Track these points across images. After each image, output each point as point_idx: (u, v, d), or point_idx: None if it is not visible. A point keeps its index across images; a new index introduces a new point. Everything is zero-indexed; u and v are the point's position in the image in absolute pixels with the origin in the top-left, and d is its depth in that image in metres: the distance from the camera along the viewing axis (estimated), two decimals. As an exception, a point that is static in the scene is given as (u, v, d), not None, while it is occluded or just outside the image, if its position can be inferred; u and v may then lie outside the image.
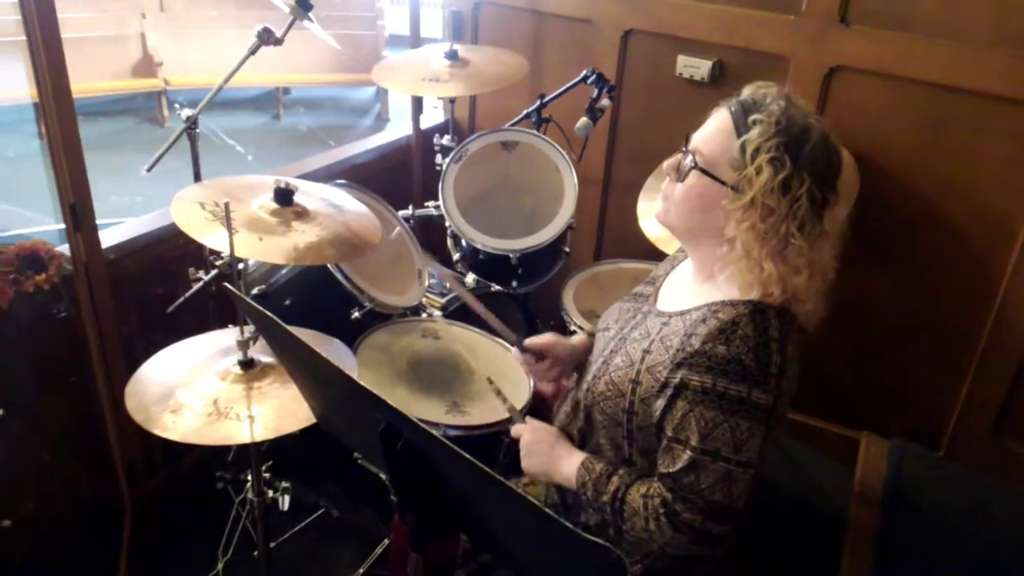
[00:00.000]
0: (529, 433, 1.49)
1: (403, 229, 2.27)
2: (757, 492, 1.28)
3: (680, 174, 1.33)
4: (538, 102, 2.48)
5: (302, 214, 1.72)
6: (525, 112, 2.52)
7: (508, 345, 2.01)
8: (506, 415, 1.53)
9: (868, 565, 1.74)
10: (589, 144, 2.53)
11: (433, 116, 3.16)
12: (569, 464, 1.41)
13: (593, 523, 1.45)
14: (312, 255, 1.61)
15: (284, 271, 2.11)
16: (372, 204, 2.16)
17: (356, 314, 1.98)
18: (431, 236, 2.69)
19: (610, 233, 2.93)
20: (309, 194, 1.80)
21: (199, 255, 2.02)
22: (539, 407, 1.86)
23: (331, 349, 1.64)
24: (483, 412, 1.79)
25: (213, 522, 2.18)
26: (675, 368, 1.26)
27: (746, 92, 1.31)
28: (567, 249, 2.44)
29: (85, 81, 5.63)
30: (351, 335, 1.94)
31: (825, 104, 2.34)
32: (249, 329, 1.50)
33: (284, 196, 1.71)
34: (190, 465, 2.41)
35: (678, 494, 1.25)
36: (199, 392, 1.46)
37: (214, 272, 1.92)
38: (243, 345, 1.49)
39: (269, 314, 1.04)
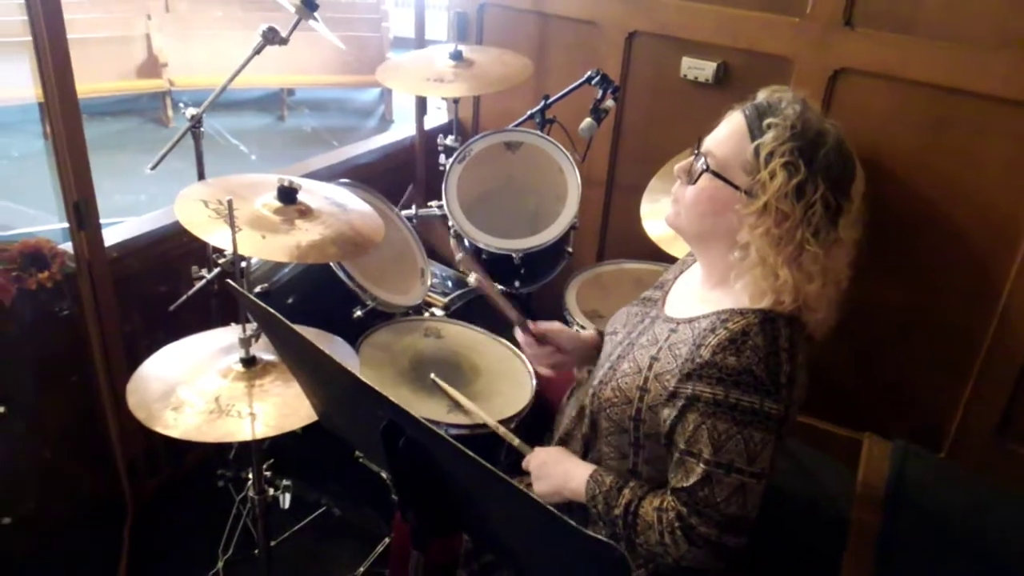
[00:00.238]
0: (535, 458, 1.49)
1: (405, 228, 2.27)
2: (762, 495, 1.28)
3: (692, 177, 1.32)
4: (542, 103, 2.48)
5: (305, 212, 1.72)
6: (529, 113, 2.53)
7: (511, 345, 2.02)
8: (508, 414, 1.53)
9: (870, 566, 1.74)
10: (593, 145, 2.53)
11: (437, 117, 3.17)
12: (578, 478, 1.39)
13: (604, 536, 1.44)
14: (315, 253, 1.61)
15: (287, 269, 2.11)
16: (375, 204, 2.16)
17: (358, 313, 1.98)
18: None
19: (613, 234, 2.93)
20: (312, 193, 1.80)
21: (202, 253, 2.02)
22: (544, 406, 1.85)
23: (333, 347, 1.64)
24: (485, 411, 1.78)
25: (214, 520, 2.18)
26: (685, 379, 1.24)
27: (761, 96, 1.30)
28: (570, 249, 2.44)
29: (90, 81, 5.66)
30: (353, 334, 1.94)
31: (829, 106, 2.33)
32: (251, 327, 1.51)
33: (287, 194, 1.71)
34: (192, 463, 2.42)
35: (693, 508, 1.23)
36: (200, 389, 1.46)
37: (217, 270, 1.93)
38: (245, 343, 1.50)
39: (271, 310, 1.04)
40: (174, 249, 2.22)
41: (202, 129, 1.97)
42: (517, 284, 2.36)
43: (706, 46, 2.49)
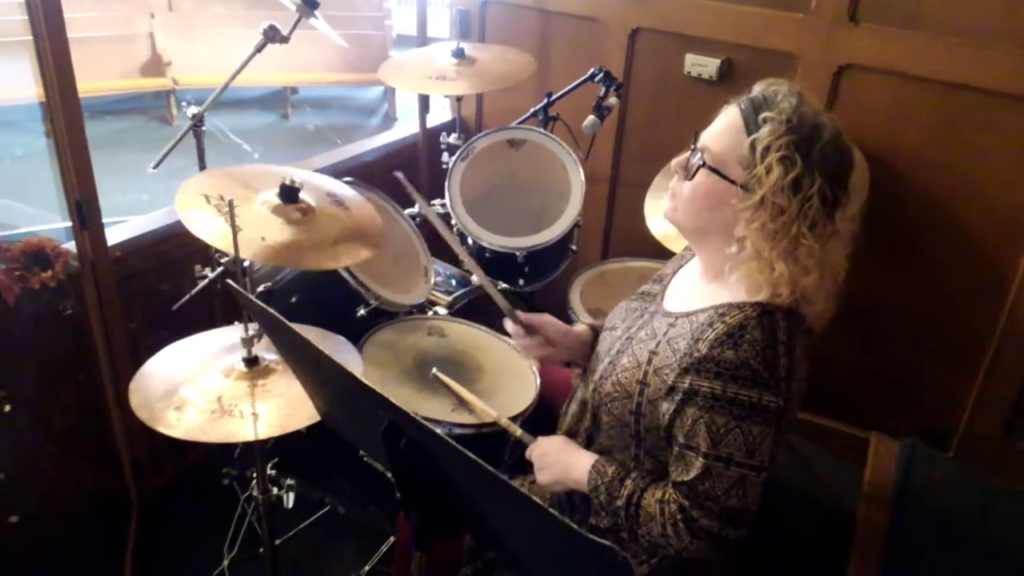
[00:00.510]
0: (538, 448, 1.49)
1: (408, 227, 2.27)
2: (766, 491, 1.27)
3: (688, 172, 1.31)
4: (545, 100, 2.48)
5: (307, 212, 1.72)
6: (532, 110, 2.52)
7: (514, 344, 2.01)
8: (511, 414, 1.52)
9: (876, 566, 1.73)
10: (597, 142, 2.52)
11: (441, 115, 3.16)
12: (580, 467, 1.40)
13: (604, 526, 1.44)
14: (313, 257, 1.60)
15: (290, 268, 2.11)
16: (378, 202, 2.15)
17: (362, 312, 1.98)
18: (437, 234, 2.68)
19: (617, 231, 2.92)
20: (315, 190, 1.79)
21: (205, 252, 2.02)
22: (547, 405, 1.85)
23: (336, 347, 1.64)
24: (489, 416, 1.78)
25: (219, 519, 2.18)
26: (683, 373, 1.24)
27: (757, 89, 1.29)
28: (574, 247, 2.43)
29: (94, 80, 5.65)
30: (357, 333, 1.94)
31: (834, 103, 2.33)
32: (253, 326, 1.50)
33: (289, 193, 1.71)
34: (196, 462, 2.42)
35: (694, 501, 1.24)
36: (203, 389, 1.46)
37: (219, 270, 1.92)
38: (247, 342, 1.49)
39: (271, 311, 1.03)
40: (177, 248, 2.21)
41: (203, 128, 1.97)
42: (521, 282, 2.36)
43: (710, 42, 2.48)
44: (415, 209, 2.39)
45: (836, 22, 2.25)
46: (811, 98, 1.27)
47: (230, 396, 1.44)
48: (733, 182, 1.26)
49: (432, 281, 2.21)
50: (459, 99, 2.65)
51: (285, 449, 2.01)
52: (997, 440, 2.41)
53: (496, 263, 2.33)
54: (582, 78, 2.40)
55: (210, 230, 1.58)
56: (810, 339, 1.32)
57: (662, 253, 2.31)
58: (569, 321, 2.26)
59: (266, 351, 1.55)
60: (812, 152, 1.21)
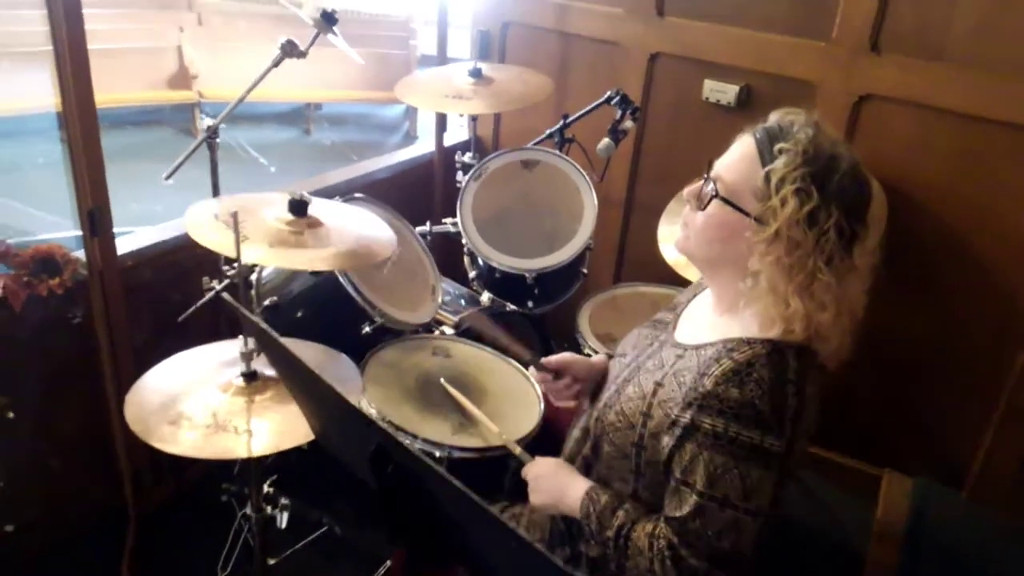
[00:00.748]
0: (534, 468, 1.47)
1: (418, 245, 2.25)
2: (774, 527, 1.23)
3: (701, 202, 1.28)
4: (561, 122, 2.46)
5: (315, 225, 1.71)
6: (548, 132, 2.51)
7: (521, 366, 1.99)
8: (514, 438, 1.50)
9: (886, 609, 1.68)
10: (612, 165, 2.50)
11: (459, 134, 3.16)
12: (574, 493, 1.37)
13: (594, 554, 1.40)
14: (321, 261, 1.58)
15: (298, 282, 2.09)
16: (388, 219, 2.14)
17: (367, 329, 1.96)
18: (451, 253, 2.67)
19: (630, 256, 2.90)
20: (322, 208, 1.78)
21: (214, 264, 2.01)
22: (552, 430, 1.81)
23: (336, 365, 1.62)
24: (491, 433, 1.75)
25: (216, 535, 2.15)
26: (686, 407, 1.21)
27: (773, 118, 1.26)
28: (585, 270, 2.40)
29: (122, 91, 5.73)
30: (362, 350, 1.92)
31: (854, 133, 2.29)
32: (253, 340, 1.49)
33: (298, 206, 1.70)
34: (197, 476, 2.40)
35: (684, 539, 1.20)
36: (199, 404, 1.44)
37: (225, 282, 1.91)
38: (246, 356, 1.47)
39: (264, 325, 1.02)
40: (187, 260, 2.21)
41: (218, 141, 1.97)
42: (530, 304, 2.33)
43: (729, 69, 2.46)
44: (426, 227, 2.38)
45: (857, 51, 2.22)
46: (828, 128, 1.24)
47: (226, 411, 1.42)
48: (747, 214, 1.22)
49: (439, 300, 2.19)
50: (474, 119, 2.64)
51: (285, 466, 1.99)
52: (1014, 479, 2.34)
53: (505, 284, 2.31)
54: (598, 101, 2.39)
55: (216, 240, 1.57)
56: (823, 377, 1.28)
57: (675, 279, 2.28)
58: (577, 345, 2.23)
59: (265, 366, 1.53)
60: (829, 184, 1.18)
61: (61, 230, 3.10)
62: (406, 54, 6.31)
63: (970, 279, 2.25)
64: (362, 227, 1.79)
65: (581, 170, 2.36)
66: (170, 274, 2.22)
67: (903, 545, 1.84)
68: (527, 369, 1.57)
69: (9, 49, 4.92)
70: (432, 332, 2.14)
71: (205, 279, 2.04)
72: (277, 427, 1.41)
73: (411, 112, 6.40)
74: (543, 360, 1.57)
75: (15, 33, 4.99)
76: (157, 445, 1.34)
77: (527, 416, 1.82)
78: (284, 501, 1.82)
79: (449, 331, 2.18)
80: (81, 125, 1.87)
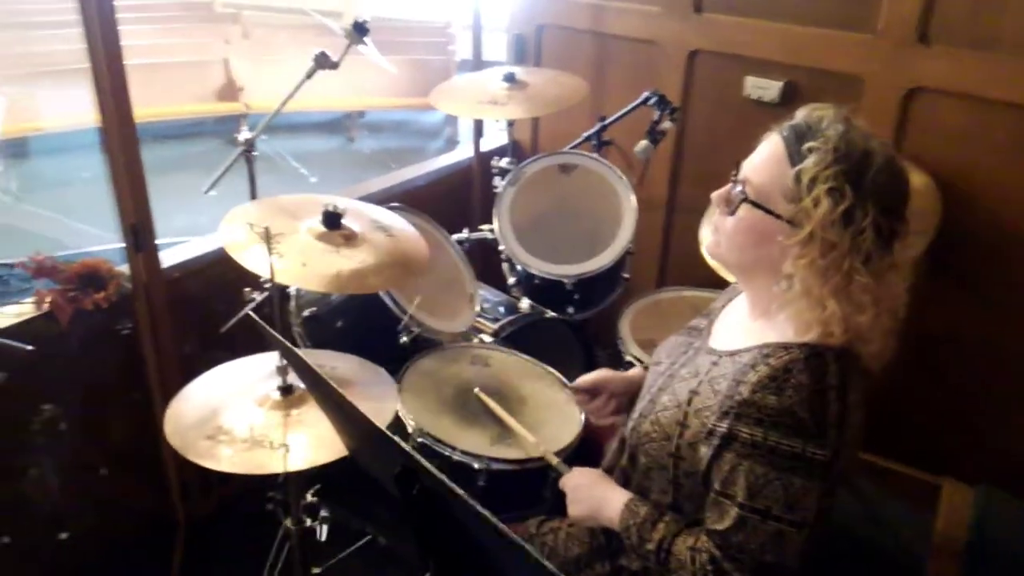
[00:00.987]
0: (572, 479, 1.45)
1: (455, 253, 2.24)
2: (828, 539, 1.19)
3: (730, 206, 1.24)
4: (598, 125, 2.43)
5: (350, 238, 1.70)
6: (585, 135, 2.48)
7: (561, 376, 1.96)
8: (553, 450, 1.49)
9: (946, 626, 1.61)
10: (653, 167, 2.46)
11: (498, 138, 3.14)
12: (613, 505, 1.34)
13: (636, 567, 1.37)
14: (355, 283, 1.58)
15: (329, 292, 2.10)
16: (425, 227, 2.13)
17: (404, 339, 1.95)
18: (490, 260, 2.66)
19: (674, 259, 2.84)
20: (359, 217, 1.78)
21: (256, 275, 2.02)
22: (593, 442, 1.78)
23: (373, 377, 1.61)
24: (530, 445, 1.72)
25: (262, 543, 2.16)
26: (722, 416, 1.17)
27: (800, 116, 1.21)
28: (626, 275, 2.36)
29: (172, 104, 5.87)
30: (402, 359, 1.92)
31: (904, 127, 2.21)
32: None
33: (332, 219, 1.69)
34: (243, 485, 2.40)
35: (727, 552, 1.16)
36: (236, 418, 1.45)
37: (264, 295, 1.92)
38: (282, 371, 1.48)
39: (286, 343, 1.01)
40: (231, 271, 2.21)
41: (255, 153, 1.98)
42: (571, 310, 2.30)
43: (771, 64, 2.40)
44: (464, 235, 2.36)
45: (905, 43, 2.14)
46: (860, 123, 1.18)
47: (263, 426, 1.43)
48: (778, 216, 1.18)
49: (477, 308, 2.17)
50: (511, 123, 2.62)
51: (328, 475, 1.99)
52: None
53: (545, 290, 2.28)
54: (635, 102, 2.35)
55: (253, 256, 1.58)
56: (867, 382, 1.23)
57: (719, 283, 2.21)
58: (619, 352, 2.20)
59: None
60: (863, 182, 1.13)
61: (105, 243, 3.17)
62: (445, 60, 6.33)
63: (1030, 277, 2.15)
64: (398, 239, 1.78)
65: (619, 173, 2.33)
66: (215, 285, 2.24)
67: (965, 558, 1.78)
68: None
69: (56, 67, 5.08)
70: (471, 340, 2.13)
71: (247, 290, 2.05)
72: (313, 441, 1.41)
73: (452, 117, 6.42)
74: (575, 383, 1.56)
75: (62, 51, 5.17)
76: (194, 459, 1.35)
77: (567, 427, 1.79)
78: (324, 513, 1.82)
79: (488, 339, 2.16)
80: (121, 141, 1.90)
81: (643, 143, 2.23)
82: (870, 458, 2.46)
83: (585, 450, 1.76)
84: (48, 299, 1.88)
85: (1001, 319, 2.23)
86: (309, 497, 1.88)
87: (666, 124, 2.28)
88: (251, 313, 1.15)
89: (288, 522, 1.68)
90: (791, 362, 1.15)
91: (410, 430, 1.71)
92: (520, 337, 2.20)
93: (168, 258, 2.16)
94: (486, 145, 3.06)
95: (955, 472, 2.11)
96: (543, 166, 2.36)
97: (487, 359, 2.00)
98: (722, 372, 1.24)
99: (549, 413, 1.85)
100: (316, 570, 1.94)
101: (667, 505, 1.32)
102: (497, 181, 2.55)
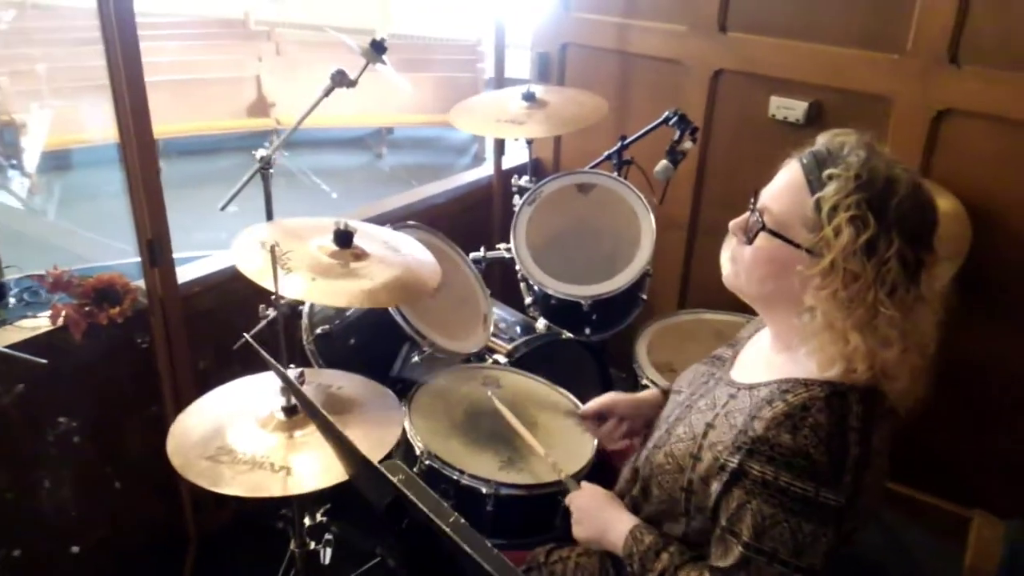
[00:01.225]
0: (579, 498, 1.42)
1: (471, 272, 2.22)
2: (855, 571, 1.14)
3: (748, 235, 1.20)
4: (619, 144, 2.40)
5: (361, 256, 1.69)
6: (606, 154, 2.45)
7: (574, 399, 1.92)
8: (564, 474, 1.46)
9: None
10: (675, 187, 2.42)
11: (521, 156, 3.12)
12: (618, 530, 1.31)
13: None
14: (366, 299, 1.56)
15: (351, 311, 2.08)
16: (439, 246, 2.12)
17: (416, 358, 1.93)
18: (509, 279, 2.63)
19: (695, 281, 2.80)
20: (370, 237, 1.77)
21: (271, 292, 2.02)
22: (607, 469, 1.74)
23: (379, 399, 1.59)
24: (540, 469, 1.69)
25: (273, 560, 2.15)
26: (734, 451, 1.13)
27: (821, 141, 1.17)
28: (644, 296, 2.32)
29: (205, 119, 5.97)
30: (414, 378, 1.90)
31: (933, 149, 2.15)
32: (293, 372, 1.47)
33: (343, 238, 1.69)
34: (256, 500, 2.41)
35: None
36: (238, 438, 1.43)
37: (275, 312, 1.92)
38: (286, 391, 1.46)
39: (282, 370, 0.99)
40: (246, 288, 2.22)
41: (271, 170, 1.99)
42: (588, 331, 2.27)
43: (797, 84, 2.36)
44: (480, 253, 2.34)
45: (935, 64, 2.09)
46: (883, 150, 1.14)
47: (265, 447, 1.41)
48: (798, 246, 1.14)
49: (490, 328, 2.15)
50: (531, 142, 2.61)
51: (337, 494, 1.97)
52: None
53: (561, 311, 2.25)
54: (656, 122, 2.32)
55: (263, 272, 1.57)
56: (894, 423, 1.17)
57: (742, 306, 2.16)
58: (635, 375, 2.15)
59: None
60: (887, 210, 1.08)
61: (124, 257, 3.20)
62: (474, 77, 6.38)
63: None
64: (408, 259, 1.76)
65: (639, 193, 2.29)
66: (232, 301, 2.24)
67: (995, 595, 1.70)
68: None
69: (85, 83, 5.18)
70: (484, 360, 2.10)
71: (261, 307, 2.05)
72: (316, 464, 1.39)
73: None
74: (582, 410, 1.55)
75: (91, 68, 5.29)
76: (194, 480, 1.33)
77: (578, 453, 1.75)
78: (328, 536, 1.80)
79: (503, 359, 2.13)
80: (139, 158, 1.91)
81: (663, 163, 2.20)
82: (898, 488, 2.38)
83: (600, 473, 1.72)
84: (63, 313, 1.89)
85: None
86: (319, 516, 1.86)
87: (687, 144, 2.24)
88: (250, 339, 1.13)
89: (292, 545, 1.66)
90: (810, 400, 1.10)
91: (418, 452, 1.69)
92: (535, 358, 2.16)
93: (185, 274, 2.16)
94: (508, 163, 3.05)
95: (986, 504, 2.03)
96: (561, 185, 2.34)
97: (499, 380, 1.97)
98: (739, 406, 1.20)
99: (562, 437, 1.81)
100: (323, 591, 1.91)
101: (677, 536, 1.28)
102: (517, 199, 2.53)
